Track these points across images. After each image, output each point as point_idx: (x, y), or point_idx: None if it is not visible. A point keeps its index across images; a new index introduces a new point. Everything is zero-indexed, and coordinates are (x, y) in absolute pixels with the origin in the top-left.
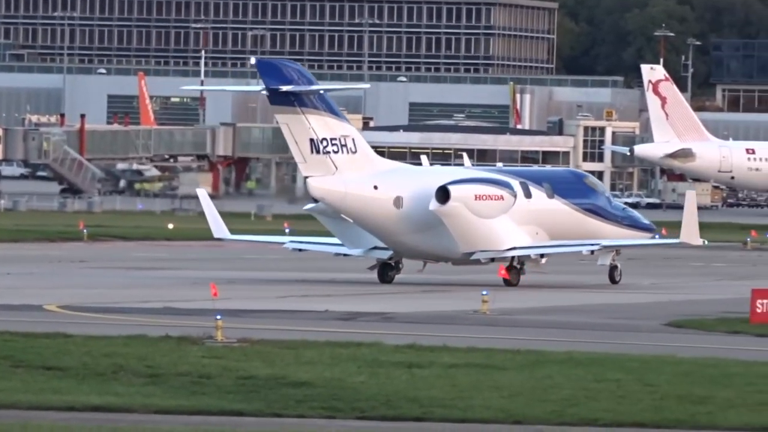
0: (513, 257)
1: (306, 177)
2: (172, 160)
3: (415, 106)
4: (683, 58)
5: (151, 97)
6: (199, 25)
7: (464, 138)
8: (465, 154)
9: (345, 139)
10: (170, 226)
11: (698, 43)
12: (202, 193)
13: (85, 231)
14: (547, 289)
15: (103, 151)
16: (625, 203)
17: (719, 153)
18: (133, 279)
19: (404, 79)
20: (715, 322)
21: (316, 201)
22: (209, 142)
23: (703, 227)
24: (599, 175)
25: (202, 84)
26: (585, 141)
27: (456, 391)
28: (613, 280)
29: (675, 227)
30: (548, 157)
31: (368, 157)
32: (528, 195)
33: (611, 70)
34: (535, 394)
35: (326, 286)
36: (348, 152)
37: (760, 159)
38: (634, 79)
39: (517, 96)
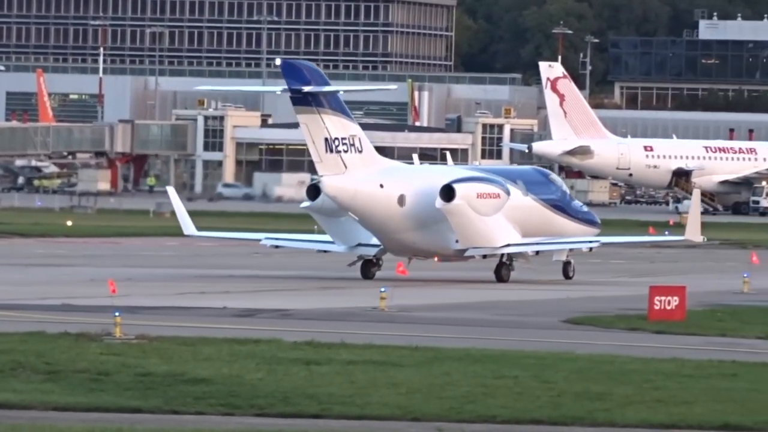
0: (502, 254)
1: (320, 176)
2: (70, 157)
3: None
4: (581, 55)
5: (49, 94)
6: (97, 22)
7: None
8: (448, 153)
9: (353, 139)
10: (69, 223)
11: (596, 40)
12: (172, 192)
13: None
14: (446, 285)
15: (1, 148)
16: None
17: (617, 150)
18: (32, 276)
19: None
20: (613, 319)
21: (312, 199)
22: (108, 139)
23: (602, 224)
24: None
25: (100, 81)
26: (483, 138)
27: (354, 388)
28: (567, 276)
29: None
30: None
31: (372, 155)
32: (507, 193)
33: (509, 68)
34: (433, 390)
35: (225, 282)
36: (356, 151)
37: (658, 156)
38: (532, 77)
39: (416, 93)
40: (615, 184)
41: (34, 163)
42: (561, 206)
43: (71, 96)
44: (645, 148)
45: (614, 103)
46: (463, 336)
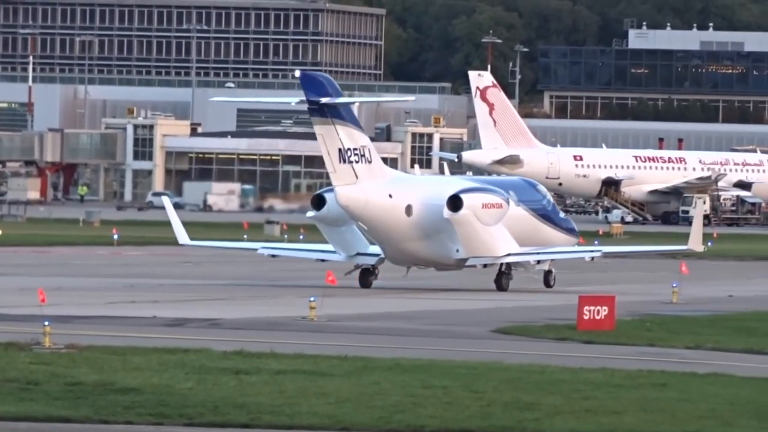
0: (501, 264)
1: (334, 186)
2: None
3: (243, 113)
4: (511, 64)
5: None
6: (26, 31)
7: (292, 144)
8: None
9: (363, 150)
10: None
11: (526, 49)
12: (166, 201)
13: None
14: (378, 295)
15: None
16: None
17: (547, 159)
18: None
19: (232, 85)
20: (542, 328)
21: (317, 209)
22: (37, 147)
23: None
24: None
25: (29, 90)
26: (413, 147)
27: (283, 397)
28: (548, 284)
29: None
30: None
31: (380, 166)
32: (508, 203)
33: (439, 77)
34: (363, 400)
35: (154, 291)
36: (366, 162)
37: (588, 166)
38: (461, 86)
39: None
40: None
41: None
42: (548, 215)
43: (0, 105)
44: (575, 157)
45: (544, 112)
46: (392, 346)
